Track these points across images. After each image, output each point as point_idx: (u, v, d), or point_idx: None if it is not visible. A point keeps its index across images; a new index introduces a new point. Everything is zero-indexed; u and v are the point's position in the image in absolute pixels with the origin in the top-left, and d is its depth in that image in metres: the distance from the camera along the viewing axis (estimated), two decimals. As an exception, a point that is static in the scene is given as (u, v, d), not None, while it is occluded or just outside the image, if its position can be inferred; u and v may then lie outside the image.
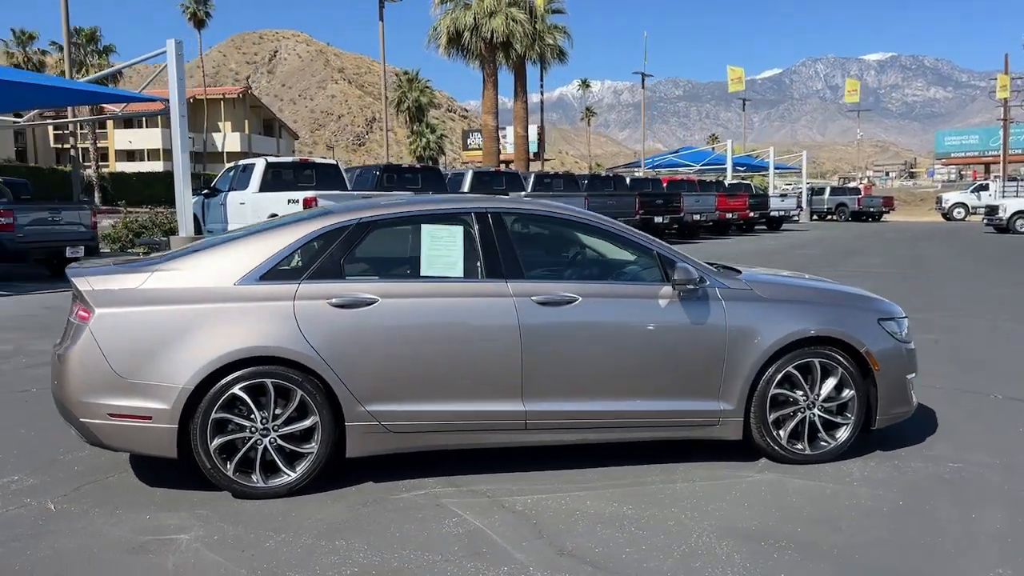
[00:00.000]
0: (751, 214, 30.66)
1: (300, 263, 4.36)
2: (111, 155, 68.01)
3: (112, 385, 4.08)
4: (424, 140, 70.89)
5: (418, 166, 19.19)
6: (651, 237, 4.86)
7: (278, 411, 4.20)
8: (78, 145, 58.76)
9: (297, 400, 4.20)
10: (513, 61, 34.40)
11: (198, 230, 15.96)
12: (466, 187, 19.59)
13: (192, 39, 68.19)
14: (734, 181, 37.26)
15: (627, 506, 4.15)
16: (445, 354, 4.34)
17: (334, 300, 4.25)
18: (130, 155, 68.14)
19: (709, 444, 4.82)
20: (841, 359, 4.74)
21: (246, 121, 69.93)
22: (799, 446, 4.76)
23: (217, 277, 4.24)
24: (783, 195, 36.09)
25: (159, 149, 65.38)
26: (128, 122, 68.87)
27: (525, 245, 4.76)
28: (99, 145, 61.85)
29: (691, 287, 4.56)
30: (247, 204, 14.70)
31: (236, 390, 4.13)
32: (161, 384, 4.07)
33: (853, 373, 4.75)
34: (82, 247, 14.09)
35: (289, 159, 15.88)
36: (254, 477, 4.20)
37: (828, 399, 4.78)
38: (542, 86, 42.59)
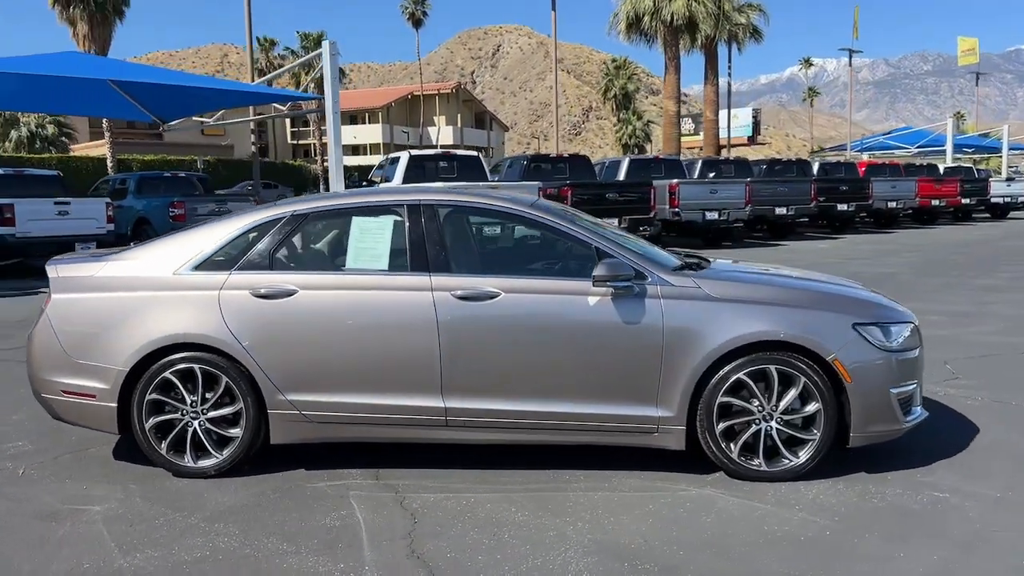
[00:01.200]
0: (964, 201, 27.62)
1: (234, 254, 4.54)
2: (338, 150, 73.36)
3: (64, 364, 4.48)
4: (630, 127, 70.44)
5: (566, 155, 19.13)
6: (598, 231, 4.57)
7: (208, 395, 4.42)
8: (312, 141, 63.45)
9: (223, 386, 4.40)
10: (700, 43, 33.21)
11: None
12: (622, 174, 19.25)
13: (410, 38, 71.74)
14: (954, 164, 33.70)
15: (525, 512, 3.97)
16: (363, 347, 4.35)
17: (256, 290, 4.40)
18: (354, 149, 73.12)
19: (675, 455, 4.44)
20: (804, 367, 4.23)
21: (458, 115, 72.92)
22: (755, 461, 4.31)
23: (159, 266, 4.53)
24: (1010, 179, 32.12)
25: (379, 143, 69.62)
26: (353, 118, 74.07)
27: (463, 239, 4.67)
28: (325, 140, 66.86)
29: (622, 284, 4.26)
30: (391, 195, 15.40)
31: (167, 374, 4.40)
32: (102, 365, 4.42)
33: (818, 384, 4.23)
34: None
35: (432, 151, 16.45)
36: (186, 457, 4.45)
37: (790, 411, 4.29)
38: (730, 67, 40.73)
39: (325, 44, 15.66)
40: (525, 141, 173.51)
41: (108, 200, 14.39)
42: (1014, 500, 4.03)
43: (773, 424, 4.30)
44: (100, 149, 47.14)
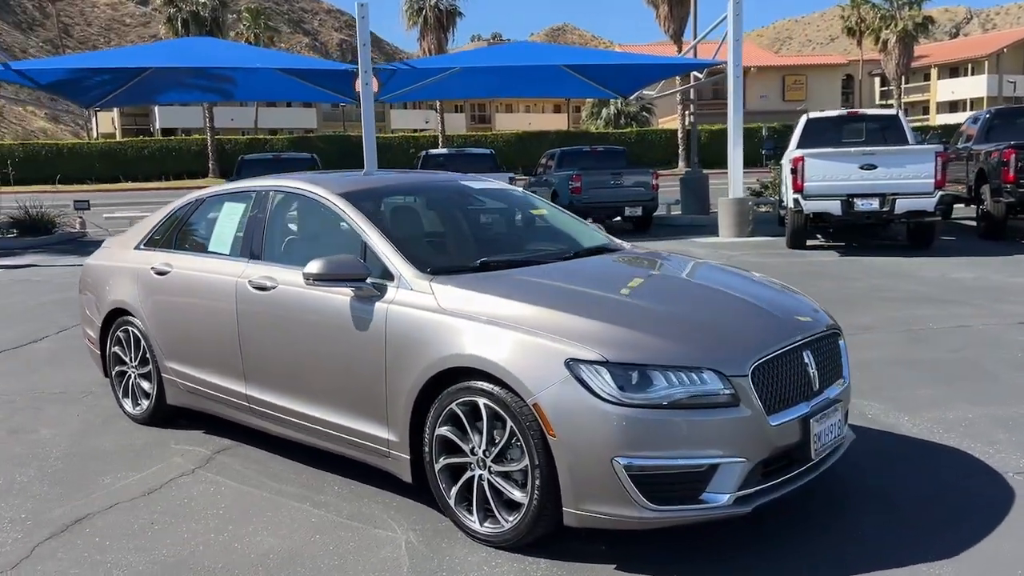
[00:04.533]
0: None
1: (161, 233, 5.14)
2: (932, 108, 66.30)
3: (84, 317, 5.67)
4: None
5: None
6: (381, 231, 3.92)
7: (137, 354, 5.16)
8: (892, 102, 58.70)
9: (143, 348, 5.08)
10: None
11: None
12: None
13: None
14: None
15: (220, 514, 3.85)
16: (198, 326, 4.63)
17: (153, 267, 4.95)
18: (952, 106, 65.07)
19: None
20: (512, 409, 3.18)
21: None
22: (472, 517, 3.40)
23: (128, 242, 5.39)
24: None
25: (982, 98, 60.81)
26: (954, 71, 66.16)
27: (288, 227, 4.51)
28: (915, 99, 61.38)
29: (345, 284, 3.74)
30: (785, 161, 13.93)
31: (118, 333, 5.26)
32: (93, 320, 5.47)
33: (526, 433, 3.15)
34: (640, 207, 15.55)
35: (835, 112, 14.09)
36: (128, 405, 5.26)
37: (505, 459, 3.28)
38: None
39: (730, 4, 14.90)
40: None
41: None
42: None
43: (486, 474, 3.33)
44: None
